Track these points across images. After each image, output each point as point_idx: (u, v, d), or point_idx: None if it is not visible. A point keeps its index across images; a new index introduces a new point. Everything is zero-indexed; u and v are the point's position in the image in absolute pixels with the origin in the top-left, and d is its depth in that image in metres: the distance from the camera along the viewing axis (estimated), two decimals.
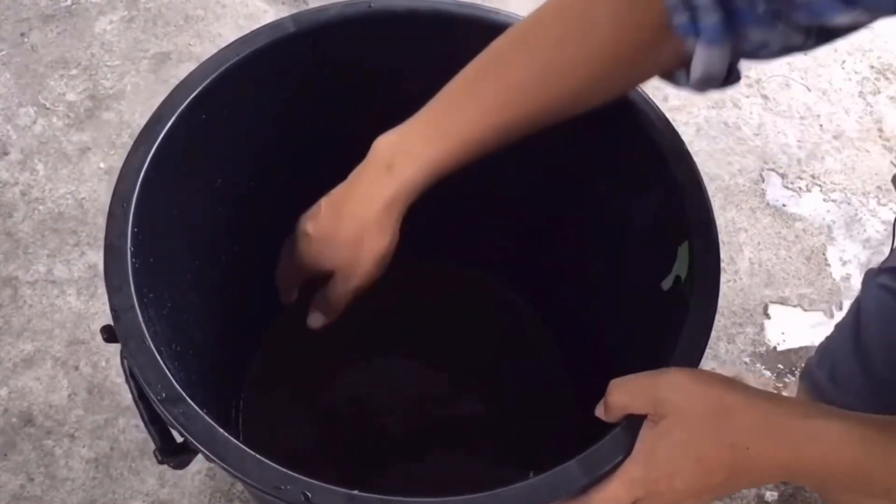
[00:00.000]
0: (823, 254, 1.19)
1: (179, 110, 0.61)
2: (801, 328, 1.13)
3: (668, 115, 0.64)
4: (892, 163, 1.28)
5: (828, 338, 0.82)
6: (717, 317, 0.57)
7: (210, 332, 0.72)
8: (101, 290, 1.06)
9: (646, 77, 0.60)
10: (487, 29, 0.66)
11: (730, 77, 0.54)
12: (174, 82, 0.63)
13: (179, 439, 0.54)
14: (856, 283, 1.15)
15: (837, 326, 0.80)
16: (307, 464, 0.50)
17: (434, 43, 0.69)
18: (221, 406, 0.78)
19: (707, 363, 1.08)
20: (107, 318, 0.54)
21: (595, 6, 0.55)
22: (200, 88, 0.63)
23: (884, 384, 0.70)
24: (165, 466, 0.58)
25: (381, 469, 0.81)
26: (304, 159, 0.76)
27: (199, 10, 1.34)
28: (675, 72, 0.56)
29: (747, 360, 1.10)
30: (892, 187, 1.09)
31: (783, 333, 1.12)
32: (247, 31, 0.66)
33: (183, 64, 1.27)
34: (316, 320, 0.69)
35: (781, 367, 1.10)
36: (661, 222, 0.65)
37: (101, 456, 0.97)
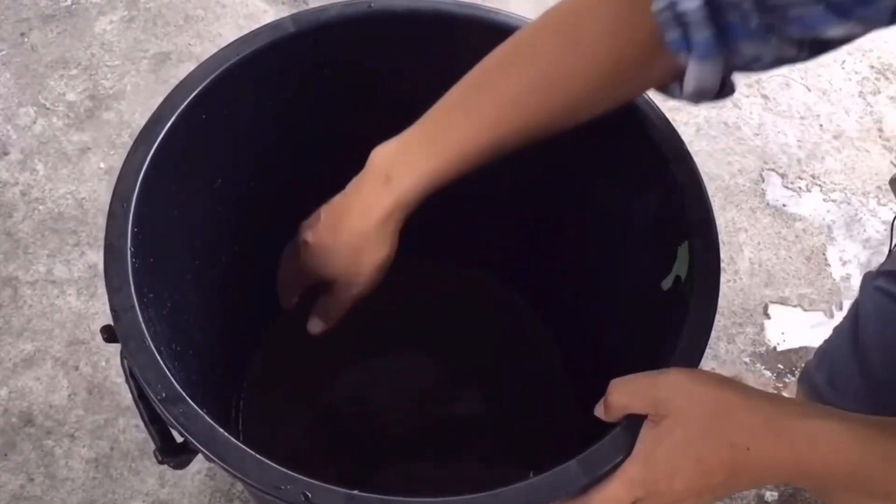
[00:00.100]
0: (823, 254, 1.19)
1: (179, 110, 0.61)
2: (801, 328, 1.13)
3: (668, 115, 0.64)
4: (892, 163, 1.28)
5: (826, 341, 0.82)
6: (717, 317, 0.57)
7: (210, 332, 0.72)
8: (101, 290, 1.06)
9: (640, 91, 0.61)
10: (487, 29, 0.66)
11: (723, 90, 0.54)
12: (174, 82, 0.63)
13: (179, 439, 0.54)
14: (856, 283, 1.15)
15: (835, 329, 0.80)
16: (307, 464, 0.50)
17: (434, 43, 0.69)
18: (221, 406, 0.78)
19: (707, 363, 1.08)
20: (107, 318, 0.54)
21: (588, 22, 0.56)
22: (200, 88, 0.63)
23: (882, 385, 0.70)
24: (165, 466, 0.58)
25: (381, 469, 0.81)
26: (304, 159, 0.76)
27: (199, 10, 1.34)
28: (670, 85, 0.56)
29: (747, 360, 1.10)
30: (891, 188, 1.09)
31: (783, 333, 1.12)
32: (247, 31, 0.66)
33: (183, 64, 1.27)
34: (316, 326, 0.71)
35: (781, 367, 1.10)
36: (661, 222, 0.65)
37: (101, 456, 0.97)
